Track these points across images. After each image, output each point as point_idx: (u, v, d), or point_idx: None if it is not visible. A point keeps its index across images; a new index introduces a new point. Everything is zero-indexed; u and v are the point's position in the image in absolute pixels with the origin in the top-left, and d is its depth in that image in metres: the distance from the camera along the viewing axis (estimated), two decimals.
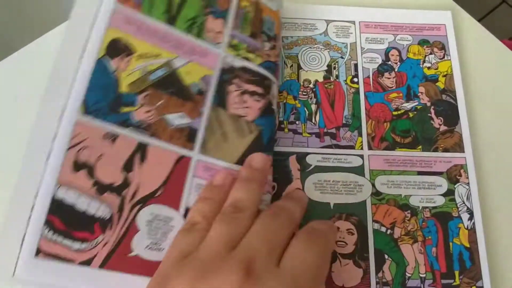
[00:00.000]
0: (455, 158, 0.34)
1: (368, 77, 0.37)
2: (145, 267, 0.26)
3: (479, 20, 0.41)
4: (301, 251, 0.24)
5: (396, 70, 0.37)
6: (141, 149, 0.27)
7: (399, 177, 0.33)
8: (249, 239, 0.24)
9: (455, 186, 0.33)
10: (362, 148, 0.34)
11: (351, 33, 0.38)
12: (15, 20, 0.78)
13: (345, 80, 0.36)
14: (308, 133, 0.34)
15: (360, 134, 0.34)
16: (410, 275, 0.31)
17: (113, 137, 0.27)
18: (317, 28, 0.38)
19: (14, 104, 0.36)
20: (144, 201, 0.27)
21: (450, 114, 0.35)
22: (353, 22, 0.39)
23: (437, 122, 0.35)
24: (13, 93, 0.37)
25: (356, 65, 0.37)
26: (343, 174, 0.33)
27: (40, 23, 0.49)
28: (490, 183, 0.34)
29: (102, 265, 0.26)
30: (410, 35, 0.38)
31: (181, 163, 0.28)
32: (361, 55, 0.37)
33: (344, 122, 0.35)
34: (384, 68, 0.37)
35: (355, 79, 0.36)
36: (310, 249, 0.24)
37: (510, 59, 0.39)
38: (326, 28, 0.38)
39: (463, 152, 0.34)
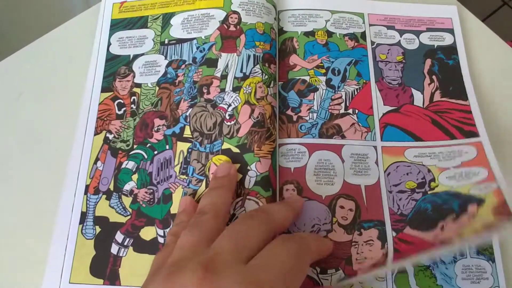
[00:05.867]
0: None
1: None
2: None
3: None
4: (273, 249, 0.23)
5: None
6: None
7: None
8: (217, 241, 0.24)
9: None
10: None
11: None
12: (18, 19, 0.78)
13: None
14: None
15: None
16: None
17: None
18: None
19: (17, 102, 0.36)
20: None
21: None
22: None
23: None
24: (16, 91, 0.37)
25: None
26: None
27: (43, 22, 0.49)
28: None
29: None
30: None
31: None
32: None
33: None
34: None
35: None
36: (283, 248, 0.23)
37: None
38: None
39: None
